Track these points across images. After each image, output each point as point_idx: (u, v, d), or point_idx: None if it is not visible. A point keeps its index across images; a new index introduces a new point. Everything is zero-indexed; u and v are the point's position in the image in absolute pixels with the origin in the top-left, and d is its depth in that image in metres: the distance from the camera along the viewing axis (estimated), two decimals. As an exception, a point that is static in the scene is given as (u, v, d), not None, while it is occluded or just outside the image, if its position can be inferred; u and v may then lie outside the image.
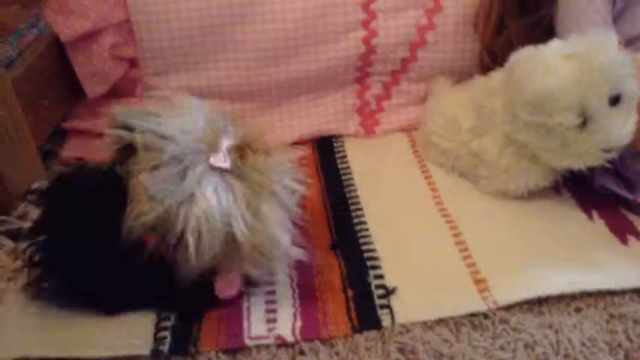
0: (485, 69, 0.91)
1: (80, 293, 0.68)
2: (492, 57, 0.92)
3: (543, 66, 0.70)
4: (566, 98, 0.69)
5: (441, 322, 0.67)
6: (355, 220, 0.83)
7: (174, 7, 0.93)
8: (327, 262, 0.75)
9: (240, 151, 0.66)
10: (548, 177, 0.83)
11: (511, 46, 0.81)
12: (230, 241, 0.63)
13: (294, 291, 0.71)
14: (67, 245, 0.67)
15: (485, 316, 0.68)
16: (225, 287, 0.68)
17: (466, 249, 0.77)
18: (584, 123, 0.71)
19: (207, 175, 0.63)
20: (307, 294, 0.70)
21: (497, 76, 0.82)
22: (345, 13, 0.96)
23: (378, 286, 0.72)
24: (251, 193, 0.64)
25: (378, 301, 0.69)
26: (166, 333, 0.66)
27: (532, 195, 0.85)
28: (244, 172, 0.64)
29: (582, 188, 0.85)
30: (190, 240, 0.61)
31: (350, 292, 0.71)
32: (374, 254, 0.77)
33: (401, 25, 0.97)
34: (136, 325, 0.68)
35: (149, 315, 0.68)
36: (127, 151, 0.65)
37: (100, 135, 0.76)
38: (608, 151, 0.73)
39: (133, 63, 0.96)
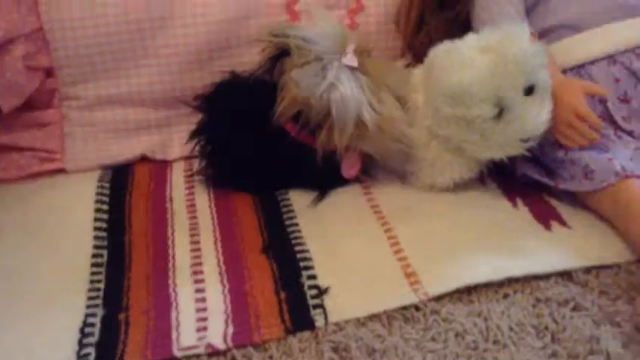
0: (408, 66, 0.93)
1: (236, 177, 0.87)
2: (414, 53, 0.94)
3: (459, 60, 0.72)
4: (482, 90, 0.71)
5: (374, 317, 0.67)
6: (287, 222, 0.83)
7: (89, 14, 0.90)
8: (258, 266, 0.74)
9: (360, 53, 0.83)
10: (472, 168, 0.85)
11: (431, 42, 0.83)
12: (360, 122, 0.79)
13: (225, 297, 0.70)
14: (225, 139, 0.85)
15: (417, 308, 0.68)
16: (349, 168, 0.86)
17: (397, 243, 0.78)
18: (501, 113, 0.73)
19: (341, 71, 0.80)
20: (239, 299, 0.69)
21: (418, 72, 0.84)
22: (269, 15, 0.95)
23: (311, 287, 0.71)
24: (373, 85, 0.80)
25: (311, 302, 0.69)
26: (90, 350, 0.63)
27: (459, 187, 0.87)
28: (366, 69, 0.82)
29: (507, 178, 0.88)
30: (334, 116, 0.78)
31: (283, 295, 0.70)
32: (306, 255, 0.76)
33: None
34: (59, 342, 0.64)
35: (72, 331, 0.65)
36: (277, 57, 0.83)
37: (17, 149, 0.78)
38: (526, 140, 0.75)
39: (48, 73, 0.93)
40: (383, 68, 0.84)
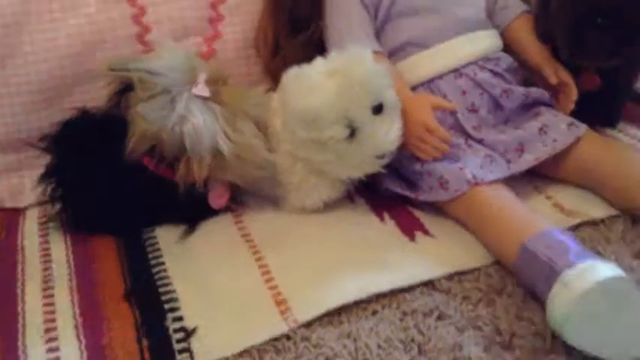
0: (268, 91, 0.92)
1: (94, 220, 0.83)
2: (273, 78, 0.94)
3: (307, 85, 0.73)
4: (331, 113, 0.72)
5: (244, 353, 0.65)
6: (153, 262, 0.79)
7: None
8: (119, 314, 0.70)
9: (213, 82, 0.82)
10: (338, 188, 0.85)
11: (287, 66, 0.83)
12: (217, 153, 0.78)
13: (81, 354, 0.65)
14: (78, 180, 0.81)
15: (288, 337, 0.67)
16: (217, 197, 0.84)
17: (268, 271, 0.77)
18: (354, 134, 0.74)
19: (192, 102, 0.78)
20: (96, 355, 0.64)
21: (275, 96, 0.84)
22: (119, 47, 0.91)
23: (176, 330, 0.68)
24: (228, 114, 0.80)
25: (176, 346, 0.66)
26: None
27: (329, 206, 0.87)
28: (220, 98, 0.81)
29: (374, 193, 0.90)
30: (189, 149, 0.76)
31: (145, 343, 0.66)
32: (173, 295, 0.73)
33: (181, 54, 0.95)
34: None
35: None
36: (123, 91, 0.80)
37: None
38: (381, 157, 0.77)
39: None
40: (239, 95, 0.83)
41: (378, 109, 0.74)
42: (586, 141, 0.85)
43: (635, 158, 0.83)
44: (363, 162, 0.77)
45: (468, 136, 0.87)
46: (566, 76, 0.88)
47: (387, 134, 0.75)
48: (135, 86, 0.77)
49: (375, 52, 0.85)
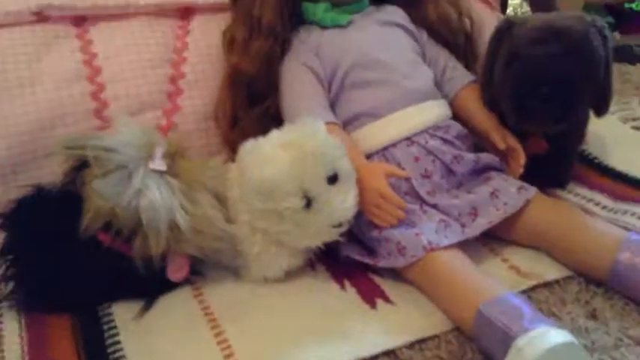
0: (226, 162, 0.94)
1: (50, 298, 0.81)
2: (232, 149, 0.95)
3: (262, 157, 0.74)
4: (287, 184, 0.73)
5: None
6: (108, 341, 0.77)
7: None
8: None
9: (171, 155, 0.83)
10: (299, 257, 0.86)
11: (245, 138, 0.85)
12: (174, 227, 0.78)
13: None
14: (32, 258, 0.80)
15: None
16: (176, 270, 0.83)
17: (229, 346, 0.75)
18: (310, 204, 0.75)
19: (148, 177, 0.78)
20: None
21: (233, 167, 0.85)
22: (77, 122, 0.92)
23: (131, 412, 0.66)
24: (185, 186, 0.80)
25: None
26: None
27: (290, 274, 0.87)
28: (177, 171, 0.81)
29: (334, 260, 0.90)
30: (145, 224, 0.76)
31: None
32: (128, 376, 0.71)
33: (140, 128, 0.96)
34: None
35: None
36: (78, 168, 0.80)
37: None
38: (338, 225, 0.78)
39: None
40: (197, 167, 0.83)
41: (333, 179, 0.76)
42: (536, 204, 0.87)
43: (584, 220, 0.85)
44: (320, 231, 0.77)
45: (422, 201, 0.88)
46: (513, 142, 0.92)
47: (343, 203, 0.76)
48: (90, 164, 0.78)
49: (329, 123, 0.88)
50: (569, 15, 0.90)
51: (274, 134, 0.78)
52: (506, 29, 0.91)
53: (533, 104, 0.85)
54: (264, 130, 0.84)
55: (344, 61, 0.95)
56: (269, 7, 0.95)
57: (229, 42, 0.99)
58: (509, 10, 2.66)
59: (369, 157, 0.91)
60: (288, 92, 0.94)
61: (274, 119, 0.94)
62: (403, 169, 0.89)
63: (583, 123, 0.98)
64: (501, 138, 0.92)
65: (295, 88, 0.93)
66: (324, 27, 0.98)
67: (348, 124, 0.93)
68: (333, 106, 0.95)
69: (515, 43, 0.88)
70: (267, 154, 0.74)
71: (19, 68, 0.90)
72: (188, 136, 0.99)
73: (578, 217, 0.86)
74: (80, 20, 0.98)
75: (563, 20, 0.87)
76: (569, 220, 0.85)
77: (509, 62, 0.88)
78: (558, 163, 1.01)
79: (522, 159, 0.91)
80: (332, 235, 0.78)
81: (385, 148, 0.91)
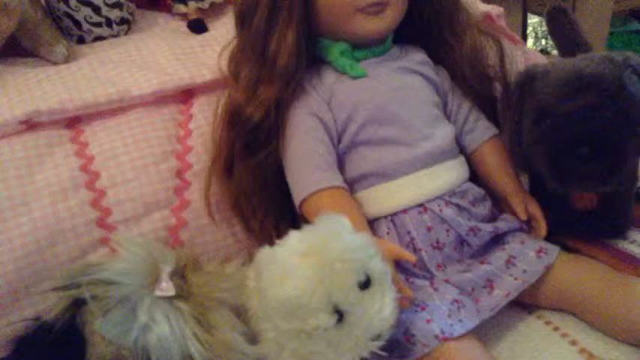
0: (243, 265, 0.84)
1: None
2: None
3: (281, 270, 0.64)
4: (313, 300, 0.63)
5: None
6: None
7: None
8: None
9: (181, 271, 0.74)
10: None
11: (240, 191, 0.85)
12: (187, 357, 0.69)
13: None
14: None
15: None
16: None
17: None
18: (342, 318, 0.64)
19: (155, 306, 0.69)
20: None
21: (250, 275, 0.75)
22: (78, 236, 0.84)
23: None
24: (199, 308, 0.71)
25: None
26: None
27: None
28: (189, 290, 0.73)
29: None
30: None
31: None
32: None
33: (148, 232, 0.87)
34: None
35: None
36: (78, 303, 0.71)
37: None
38: (377, 337, 0.67)
39: None
40: (212, 281, 0.74)
41: (365, 285, 0.65)
42: (560, 260, 0.80)
43: (620, 277, 0.77)
44: (356, 346, 0.66)
45: (432, 276, 0.80)
46: (535, 210, 0.84)
47: (380, 311, 0.65)
48: (88, 303, 0.69)
49: (333, 188, 0.80)
50: (597, 57, 0.78)
51: (292, 239, 0.67)
52: (529, 84, 0.80)
53: (572, 166, 0.75)
54: (259, 184, 0.83)
55: (358, 114, 0.85)
56: (286, 47, 0.82)
57: (234, 75, 0.88)
58: (529, 30, 2.55)
59: (375, 221, 0.83)
60: (293, 144, 0.84)
61: (273, 170, 0.86)
62: (413, 238, 0.80)
63: (634, 171, 0.86)
64: (523, 208, 0.83)
65: (301, 141, 0.84)
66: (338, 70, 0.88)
67: (354, 183, 0.84)
68: (340, 161, 0.85)
69: (541, 98, 0.77)
70: (287, 266, 0.64)
71: (10, 186, 0.82)
72: (201, 232, 0.90)
73: (612, 273, 0.78)
74: (73, 121, 0.90)
75: (591, 66, 0.76)
76: (601, 279, 0.77)
77: (538, 121, 0.78)
78: (613, 211, 0.89)
79: (544, 231, 0.83)
80: (371, 347, 0.67)
81: (394, 214, 0.82)
